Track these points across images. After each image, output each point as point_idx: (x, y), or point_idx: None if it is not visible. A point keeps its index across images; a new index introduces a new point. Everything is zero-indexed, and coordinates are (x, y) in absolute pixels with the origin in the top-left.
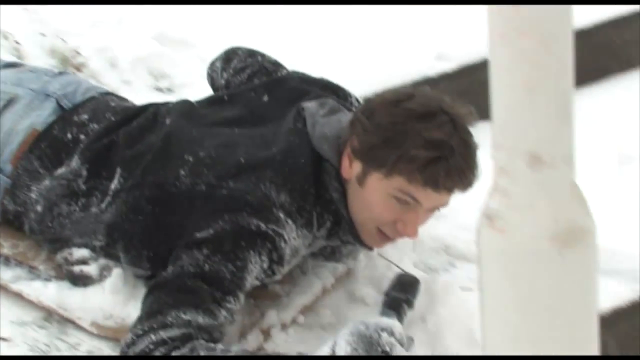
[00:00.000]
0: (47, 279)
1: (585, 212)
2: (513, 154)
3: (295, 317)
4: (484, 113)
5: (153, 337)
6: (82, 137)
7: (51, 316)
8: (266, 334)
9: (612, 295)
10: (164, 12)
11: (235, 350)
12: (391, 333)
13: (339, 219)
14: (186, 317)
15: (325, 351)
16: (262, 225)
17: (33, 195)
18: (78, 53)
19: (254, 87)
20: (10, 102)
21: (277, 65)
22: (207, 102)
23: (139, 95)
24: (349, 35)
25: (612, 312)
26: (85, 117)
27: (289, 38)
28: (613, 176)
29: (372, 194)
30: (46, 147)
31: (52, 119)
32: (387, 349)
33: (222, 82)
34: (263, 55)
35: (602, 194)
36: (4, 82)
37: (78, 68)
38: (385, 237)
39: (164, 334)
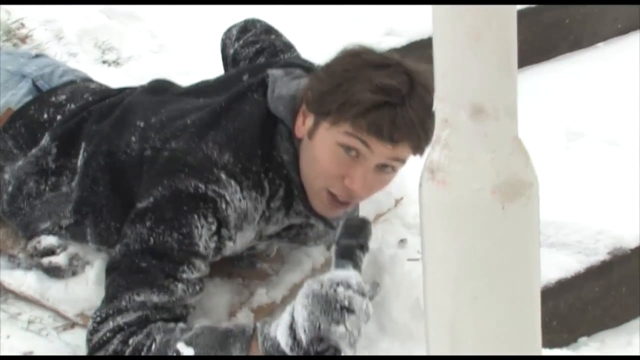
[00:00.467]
0: (28, 268)
1: (527, 165)
2: (455, 105)
3: (285, 295)
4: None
5: (111, 323)
6: (58, 117)
7: None
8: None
9: (559, 266)
10: None
11: (197, 327)
12: (347, 285)
13: (291, 185)
14: (140, 298)
15: (285, 319)
16: (202, 186)
17: (6, 177)
18: (23, 25)
19: (240, 69)
20: None
21: (287, 46)
22: (196, 83)
23: (85, 68)
24: (298, 11)
25: (558, 283)
26: (63, 97)
27: (237, 13)
28: (561, 152)
29: (320, 145)
30: (21, 126)
31: (28, 99)
32: (346, 303)
33: (231, 50)
34: (278, 35)
35: (550, 169)
36: None
37: (23, 40)
38: (336, 202)
39: (120, 320)
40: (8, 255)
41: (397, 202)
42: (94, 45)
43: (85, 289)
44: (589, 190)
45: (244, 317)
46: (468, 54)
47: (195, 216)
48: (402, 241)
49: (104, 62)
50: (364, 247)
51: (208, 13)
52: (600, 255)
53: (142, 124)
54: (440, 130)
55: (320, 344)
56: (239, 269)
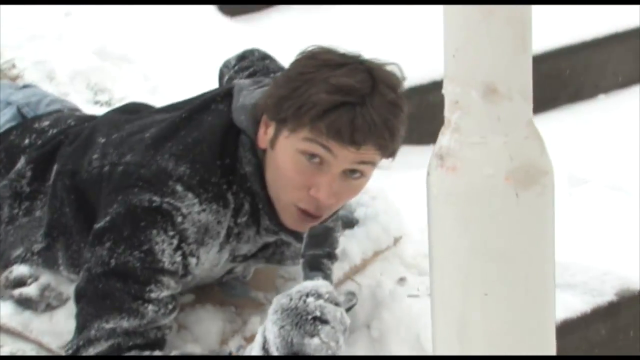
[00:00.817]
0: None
1: (543, 152)
2: (466, 85)
3: None
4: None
5: (83, 356)
6: (39, 142)
7: None
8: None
9: (565, 307)
10: (105, 27)
11: (172, 355)
12: (318, 295)
13: (256, 199)
14: (109, 325)
15: (257, 340)
16: (156, 199)
17: None
18: (14, 65)
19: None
20: None
21: (281, 69)
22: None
23: None
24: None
25: (563, 324)
26: (46, 123)
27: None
28: (563, 196)
29: (281, 154)
30: (1, 151)
31: (11, 125)
32: (318, 313)
33: (227, 77)
34: (273, 60)
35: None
36: None
37: (14, 80)
38: (306, 216)
39: (92, 351)
40: None
41: (397, 240)
42: (86, 87)
43: (71, 321)
44: (593, 233)
45: (235, 345)
46: (480, 30)
47: (154, 231)
48: (402, 279)
49: (96, 102)
50: (331, 256)
51: (202, 56)
52: (607, 296)
53: (103, 140)
54: (450, 113)
55: None
56: (231, 297)
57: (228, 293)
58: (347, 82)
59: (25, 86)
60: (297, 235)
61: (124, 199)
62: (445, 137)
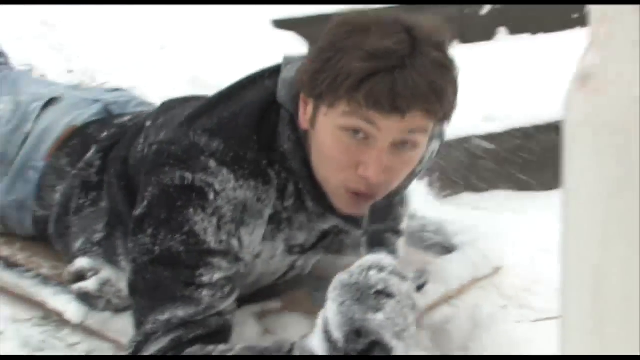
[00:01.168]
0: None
1: None
2: None
3: None
4: (528, 184)
5: (144, 354)
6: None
7: (50, 317)
8: None
9: None
10: (199, 60)
11: (237, 348)
12: (381, 269)
13: (297, 178)
14: (164, 316)
15: (319, 324)
16: (188, 176)
17: (57, 196)
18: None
19: None
20: (54, 100)
21: None
22: None
23: None
24: None
25: None
26: (126, 119)
27: None
28: None
29: (322, 133)
30: (77, 144)
31: (94, 119)
32: (381, 286)
33: None
34: None
35: None
36: (56, 84)
37: None
38: (358, 197)
39: (153, 348)
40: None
41: (496, 270)
42: None
43: None
44: None
45: None
46: None
47: (191, 210)
48: (502, 308)
49: None
50: (396, 231)
51: None
52: None
53: (148, 124)
54: (596, 28)
55: (360, 340)
56: (319, 308)
57: (319, 305)
58: (382, 45)
59: (116, 89)
60: (349, 219)
61: (156, 180)
62: (589, 55)
